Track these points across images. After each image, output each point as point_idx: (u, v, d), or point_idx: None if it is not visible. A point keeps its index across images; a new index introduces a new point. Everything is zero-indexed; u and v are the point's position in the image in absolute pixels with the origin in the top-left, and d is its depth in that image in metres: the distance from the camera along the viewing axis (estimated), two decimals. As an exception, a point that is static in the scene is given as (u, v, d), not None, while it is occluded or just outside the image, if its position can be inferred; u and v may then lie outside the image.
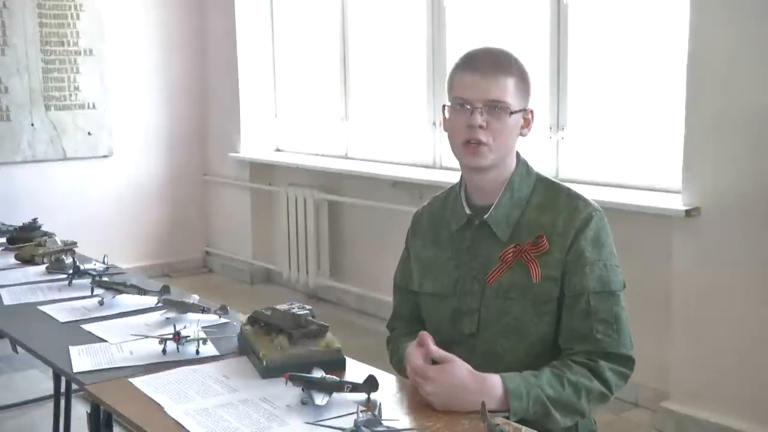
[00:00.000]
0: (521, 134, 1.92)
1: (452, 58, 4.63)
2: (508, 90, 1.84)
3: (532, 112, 1.92)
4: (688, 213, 3.32)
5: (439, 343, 1.88)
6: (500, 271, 1.87)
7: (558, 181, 1.98)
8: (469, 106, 1.84)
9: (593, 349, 1.80)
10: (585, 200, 1.90)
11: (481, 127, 1.83)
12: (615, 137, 3.93)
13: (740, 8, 3.16)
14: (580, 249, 1.83)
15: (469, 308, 1.91)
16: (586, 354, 1.80)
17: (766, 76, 3.11)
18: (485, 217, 1.90)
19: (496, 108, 1.83)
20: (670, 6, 3.63)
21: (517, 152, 1.95)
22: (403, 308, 2.12)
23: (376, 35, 5.25)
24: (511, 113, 1.84)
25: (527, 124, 1.92)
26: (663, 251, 3.51)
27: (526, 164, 1.96)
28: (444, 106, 1.93)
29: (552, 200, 1.90)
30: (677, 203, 3.41)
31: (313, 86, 5.77)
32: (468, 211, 1.94)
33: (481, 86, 1.83)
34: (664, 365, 3.47)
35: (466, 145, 1.86)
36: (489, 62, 1.86)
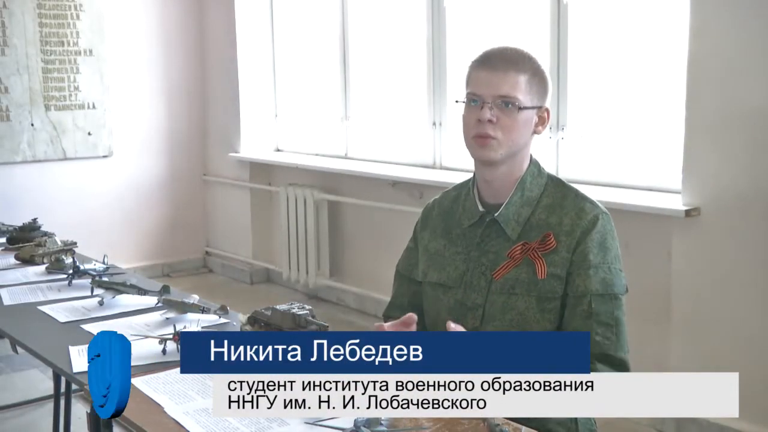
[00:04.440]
0: (535, 132, 1.94)
1: (452, 58, 4.65)
2: (519, 86, 1.86)
3: (547, 110, 1.94)
4: (688, 213, 3.33)
5: None
6: (507, 267, 1.89)
7: (568, 183, 1.99)
8: (480, 102, 1.86)
9: (592, 350, 1.80)
10: (592, 202, 1.92)
11: (490, 121, 1.86)
12: (615, 137, 3.92)
13: (740, 8, 3.16)
14: (585, 251, 1.84)
15: (474, 303, 1.92)
16: None
17: (766, 76, 3.11)
18: (495, 215, 1.92)
19: (506, 104, 1.86)
20: (670, 6, 3.63)
21: (530, 152, 1.97)
22: (402, 297, 2.12)
23: (376, 35, 5.25)
24: (521, 109, 1.86)
25: (542, 122, 1.94)
26: (663, 251, 3.51)
27: (538, 164, 1.98)
28: (456, 102, 1.95)
29: (560, 201, 1.92)
30: (677, 203, 3.41)
31: (313, 86, 5.77)
32: (481, 208, 1.96)
33: (492, 82, 1.87)
34: (664, 365, 3.47)
35: (475, 138, 1.88)
36: (502, 59, 1.89)
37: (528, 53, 1.93)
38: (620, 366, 1.83)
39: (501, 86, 1.86)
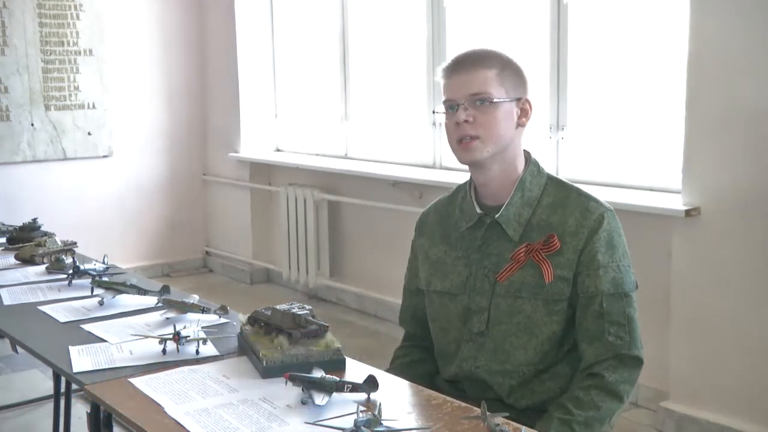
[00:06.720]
0: (519, 124, 1.92)
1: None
2: (488, 81, 1.87)
3: (529, 102, 1.93)
4: (688, 213, 3.32)
5: (448, 341, 1.89)
6: (512, 269, 1.88)
7: (568, 182, 1.99)
8: (455, 106, 1.87)
9: (605, 351, 1.81)
10: (596, 200, 1.91)
11: (467, 122, 1.86)
12: (615, 137, 3.92)
13: (740, 8, 3.16)
14: (593, 251, 1.84)
15: (479, 306, 1.92)
16: (596, 361, 1.81)
17: (766, 76, 3.11)
18: (496, 216, 1.91)
19: (479, 101, 1.86)
20: (670, 6, 3.63)
21: (528, 152, 1.97)
22: (406, 311, 2.17)
23: (376, 35, 5.25)
24: (494, 103, 1.85)
25: (525, 114, 1.93)
26: (663, 251, 3.51)
27: (537, 164, 1.97)
28: (434, 112, 1.96)
29: (562, 200, 1.91)
30: (677, 203, 3.41)
31: (313, 86, 5.77)
32: (479, 210, 1.95)
33: (462, 84, 1.88)
34: (664, 365, 3.47)
35: (459, 143, 1.88)
36: (467, 60, 1.91)
37: (494, 50, 1.93)
38: (634, 363, 1.83)
39: (471, 85, 1.87)
